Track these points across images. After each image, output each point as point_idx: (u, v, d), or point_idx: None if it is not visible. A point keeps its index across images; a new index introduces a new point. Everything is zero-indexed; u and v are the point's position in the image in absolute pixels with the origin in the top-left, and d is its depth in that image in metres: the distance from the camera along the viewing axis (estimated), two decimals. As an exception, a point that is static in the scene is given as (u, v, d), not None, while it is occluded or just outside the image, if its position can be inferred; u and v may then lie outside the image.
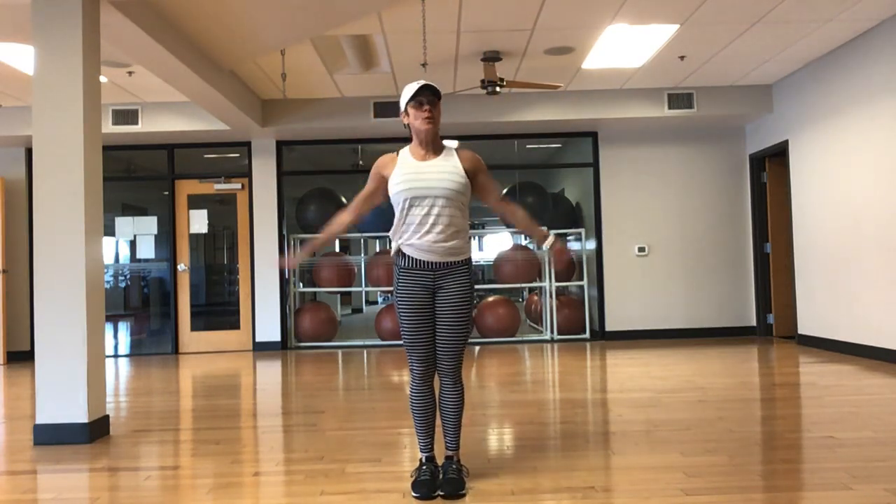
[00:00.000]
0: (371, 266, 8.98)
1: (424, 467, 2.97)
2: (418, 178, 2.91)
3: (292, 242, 8.98)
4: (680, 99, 8.08)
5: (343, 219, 3.12)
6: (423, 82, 2.92)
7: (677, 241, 8.69)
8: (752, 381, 5.39)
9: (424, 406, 3.00)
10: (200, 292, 8.91)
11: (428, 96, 2.90)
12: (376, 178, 3.04)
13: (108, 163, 8.94)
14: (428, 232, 2.91)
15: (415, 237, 2.93)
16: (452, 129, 8.51)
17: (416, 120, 2.92)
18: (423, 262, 2.95)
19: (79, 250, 4.14)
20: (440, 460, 3.18)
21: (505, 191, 9.40)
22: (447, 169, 2.93)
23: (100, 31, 4.51)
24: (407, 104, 2.94)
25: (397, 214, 2.98)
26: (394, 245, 3.03)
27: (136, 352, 8.87)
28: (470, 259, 3.07)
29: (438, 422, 4.10)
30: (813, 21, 6.04)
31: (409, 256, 2.97)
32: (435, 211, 2.90)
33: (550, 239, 3.17)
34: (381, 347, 8.61)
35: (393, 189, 2.95)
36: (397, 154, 3.02)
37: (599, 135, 8.75)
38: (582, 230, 9.12)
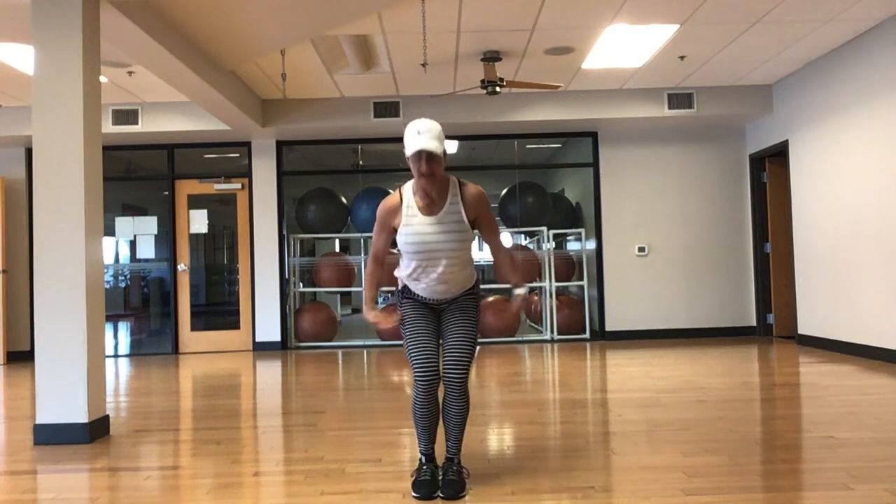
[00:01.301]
0: (371, 266, 8.96)
1: (425, 467, 2.96)
2: (425, 240, 2.86)
3: (292, 242, 8.98)
4: (680, 99, 8.08)
5: (377, 274, 3.01)
6: (419, 145, 2.74)
7: (677, 241, 8.69)
8: (753, 381, 5.39)
9: (428, 415, 2.97)
10: (200, 292, 8.91)
11: (426, 157, 2.77)
12: (387, 229, 2.94)
13: (108, 163, 8.94)
14: (433, 280, 2.93)
15: (421, 281, 2.94)
16: (453, 129, 8.51)
17: (416, 174, 2.82)
18: (429, 298, 3.01)
19: (79, 250, 4.14)
20: (440, 461, 3.18)
21: (505, 191, 9.40)
22: (452, 227, 2.87)
23: (100, 31, 4.51)
24: (407, 150, 2.82)
25: (403, 257, 2.97)
26: (398, 273, 3.04)
27: (136, 352, 8.87)
28: (475, 284, 3.08)
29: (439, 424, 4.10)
30: (813, 21, 6.04)
31: (413, 292, 3.01)
32: (441, 265, 2.89)
33: (523, 291, 3.02)
34: (381, 347, 8.61)
35: (400, 242, 2.93)
36: (401, 197, 2.91)
37: (599, 135, 8.75)
38: (582, 230, 9.12)
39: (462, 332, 2.96)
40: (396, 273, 3.05)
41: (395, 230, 2.93)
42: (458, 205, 2.88)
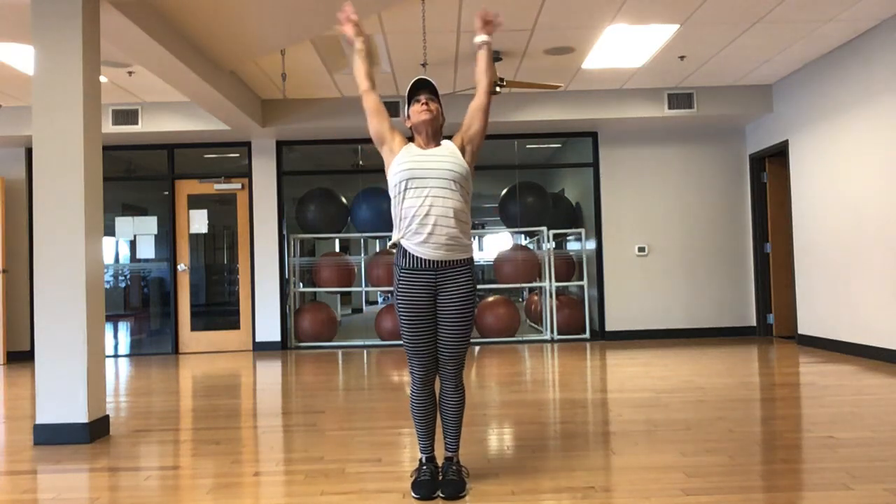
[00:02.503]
0: (371, 266, 8.98)
1: (424, 467, 2.96)
2: (421, 166, 2.92)
3: (292, 242, 8.98)
4: (680, 99, 8.08)
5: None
6: (417, 78, 3.03)
7: (677, 241, 8.69)
8: (752, 381, 5.39)
9: (425, 409, 2.99)
10: (200, 292, 8.91)
11: (424, 93, 3.00)
12: (385, 122, 3.06)
13: (108, 163, 8.94)
14: (431, 229, 2.87)
15: (419, 233, 2.88)
16: (453, 129, 8.50)
17: (415, 116, 2.98)
18: (425, 260, 2.91)
19: (79, 250, 4.14)
20: (440, 461, 3.18)
21: (505, 191, 9.40)
22: (447, 156, 2.96)
23: (100, 31, 4.51)
24: (409, 108, 3.02)
25: (394, 206, 2.96)
26: (394, 236, 2.99)
27: (136, 352, 8.87)
28: (472, 259, 3.03)
29: (438, 423, 4.11)
30: (813, 21, 6.05)
31: (409, 255, 2.91)
32: (434, 194, 2.88)
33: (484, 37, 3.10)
34: (381, 347, 8.61)
35: (393, 172, 2.96)
36: (404, 140, 3.09)
37: (599, 135, 8.75)
38: (582, 230, 9.12)
39: (457, 324, 2.95)
40: (391, 243, 3.03)
41: (388, 137, 3.03)
42: (452, 146, 3.02)
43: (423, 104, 2.97)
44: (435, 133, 3.01)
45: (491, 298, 8.94)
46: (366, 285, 9.16)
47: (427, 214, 2.87)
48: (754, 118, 8.39)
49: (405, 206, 2.91)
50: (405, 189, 2.91)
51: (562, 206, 9.65)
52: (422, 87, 3.02)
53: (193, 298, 8.82)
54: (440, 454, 3.34)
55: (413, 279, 2.93)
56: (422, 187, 2.89)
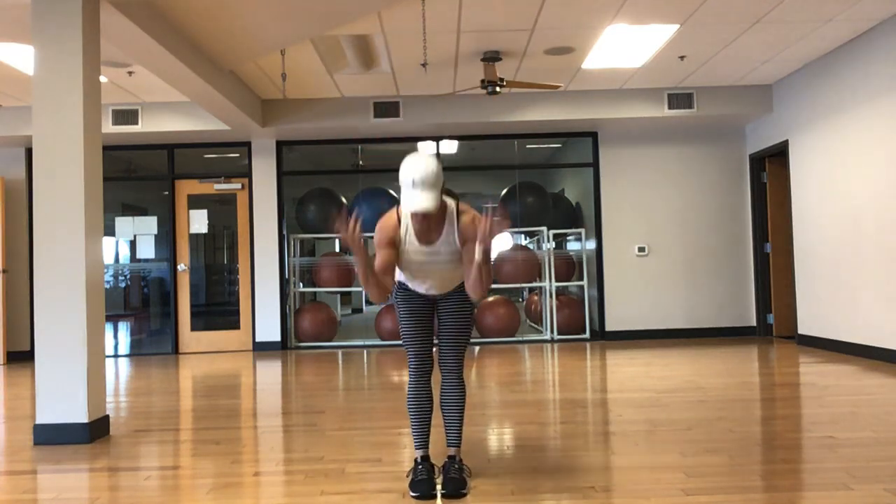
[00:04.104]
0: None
1: (420, 466, 2.97)
2: (421, 266, 2.90)
3: (292, 242, 8.98)
4: (680, 99, 8.08)
5: (381, 280, 2.82)
6: (417, 206, 2.67)
7: (677, 241, 8.69)
8: (752, 381, 5.39)
9: (421, 402, 3.02)
10: (200, 292, 8.91)
11: (423, 202, 2.71)
12: (388, 242, 2.85)
13: (108, 163, 8.94)
14: (427, 285, 3.00)
15: (415, 284, 3.01)
16: (453, 129, 8.51)
17: (412, 217, 2.80)
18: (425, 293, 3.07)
19: (79, 250, 4.14)
20: (435, 460, 3.20)
21: (505, 191, 9.40)
22: (447, 256, 2.89)
23: (100, 31, 4.51)
24: (403, 197, 2.76)
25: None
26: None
27: (136, 352, 8.87)
28: None
29: (435, 421, 4.12)
30: (813, 21, 6.04)
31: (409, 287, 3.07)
32: (435, 276, 2.96)
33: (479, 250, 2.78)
34: (381, 347, 8.61)
35: (403, 260, 2.95)
36: (399, 218, 2.87)
37: (599, 135, 8.75)
38: (582, 230, 9.12)
39: (457, 320, 3.04)
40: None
41: (395, 242, 2.87)
42: (453, 234, 2.88)
43: (420, 220, 2.78)
44: (436, 222, 2.86)
45: (491, 298, 8.94)
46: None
47: (425, 280, 2.97)
48: (754, 118, 8.39)
49: (404, 266, 2.95)
50: (407, 271, 2.96)
51: (562, 206, 9.65)
52: (420, 183, 2.68)
53: (193, 298, 8.82)
54: (435, 454, 3.35)
55: (412, 294, 3.08)
56: (423, 274, 2.94)
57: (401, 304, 3.07)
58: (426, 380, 3.04)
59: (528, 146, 10.03)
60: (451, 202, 2.91)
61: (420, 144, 9.17)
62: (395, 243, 2.88)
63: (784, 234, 8.45)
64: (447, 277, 2.97)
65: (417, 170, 2.69)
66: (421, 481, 2.88)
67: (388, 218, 2.91)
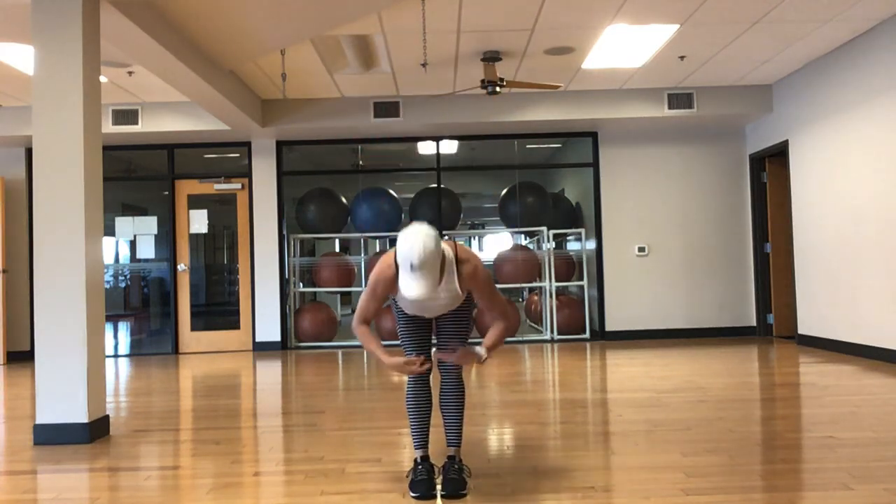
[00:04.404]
0: (371, 266, 8.98)
1: (420, 467, 2.97)
2: (421, 304, 2.90)
3: (292, 242, 8.98)
4: (680, 99, 8.08)
5: (369, 332, 2.95)
6: (413, 294, 2.63)
7: (677, 240, 8.69)
8: (752, 381, 5.39)
9: (420, 403, 3.02)
10: (200, 292, 8.91)
11: (420, 290, 2.67)
12: (380, 297, 2.89)
13: (108, 163, 8.94)
14: (427, 315, 3.03)
15: (410, 311, 3.02)
16: (453, 129, 8.51)
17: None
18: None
19: (79, 250, 4.14)
20: (435, 460, 3.20)
21: (505, 191, 9.40)
22: (447, 301, 2.89)
23: (100, 31, 4.51)
24: (401, 282, 2.71)
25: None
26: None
27: (136, 352, 8.87)
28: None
29: (435, 421, 4.12)
30: (813, 21, 6.05)
31: None
32: (434, 312, 2.99)
33: (484, 353, 2.88)
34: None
35: (399, 299, 2.96)
36: (396, 269, 2.80)
37: (599, 135, 8.75)
38: (582, 230, 9.12)
39: (456, 321, 3.05)
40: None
41: (390, 292, 2.92)
42: (454, 283, 2.85)
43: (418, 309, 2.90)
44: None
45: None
46: (366, 285, 9.14)
47: (423, 313, 2.99)
48: (754, 118, 8.39)
49: (401, 302, 2.96)
50: (406, 308, 2.97)
51: (562, 206, 9.65)
52: (419, 268, 2.62)
53: (193, 298, 8.82)
54: (435, 454, 3.35)
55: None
56: (422, 311, 2.96)
57: (398, 308, 3.07)
58: (425, 380, 3.05)
59: (528, 146, 10.04)
60: (449, 252, 2.82)
61: (420, 146, 9.17)
62: (387, 296, 2.94)
63: (784, 234, 8.45)
64: (445, 306, 2.95)
65: (415, 253, 2.60)
66: (421, 481, 2.88)
67: (386, 268, 2.82)
